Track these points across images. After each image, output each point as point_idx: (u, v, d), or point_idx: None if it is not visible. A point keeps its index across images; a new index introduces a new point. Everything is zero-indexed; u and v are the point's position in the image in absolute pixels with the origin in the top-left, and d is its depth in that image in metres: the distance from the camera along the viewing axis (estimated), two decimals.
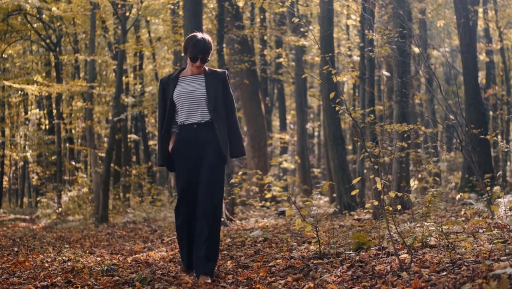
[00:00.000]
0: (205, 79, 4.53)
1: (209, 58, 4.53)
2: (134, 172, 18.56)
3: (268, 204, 13.72)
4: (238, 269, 4.94)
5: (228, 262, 5.32)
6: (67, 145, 22.95)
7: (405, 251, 4.51)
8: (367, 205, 9.77)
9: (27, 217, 18.26)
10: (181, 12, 14.36)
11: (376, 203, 6.65)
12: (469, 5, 12.22)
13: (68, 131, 23.11)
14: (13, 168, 31.77)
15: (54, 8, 14.78)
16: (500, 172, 14.90)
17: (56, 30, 18.64)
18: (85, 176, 20.38)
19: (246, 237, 7.06)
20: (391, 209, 5.05)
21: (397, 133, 8.86)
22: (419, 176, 13.30)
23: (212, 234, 4.42)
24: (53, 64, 19.88)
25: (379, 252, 4.83)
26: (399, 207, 5.90)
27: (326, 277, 4.11)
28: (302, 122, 17.52)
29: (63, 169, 20.27)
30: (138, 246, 7.43)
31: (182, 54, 14.23)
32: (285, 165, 19.86)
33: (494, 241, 4.42)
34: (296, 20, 6.14)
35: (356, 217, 9.26)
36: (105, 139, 22.35)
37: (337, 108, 5.15)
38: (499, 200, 6.67)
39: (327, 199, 16.07)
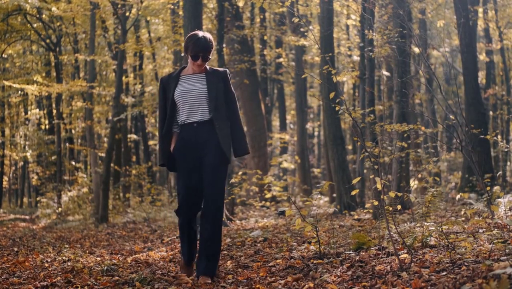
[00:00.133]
0: (206, 78, 4.49)
1: (210, 57, 4.50)
2: (134, 172, 18.56)
3: (268, 204, 13.72)
4: (238, 269, 4.94)
5: (228, 262, 5.32)
6: (67, 144, 22.95)
7: (405, 251, 4.51)
8: (367, 205, 9.77)
9: (27, 217, 18.26)
10: (181, 12, 14.36)
11: (376, 203, 6.65)
12: (469, 5, 12.22)
13: (68, 131, 23.11)
14: (13, 168, 31.77)
15: (54, 8, 14.78)
16: (500, 172, 14.90)
17: (56, 30, 18.64)
18: (85, 176, 20.39)
19: (246, 237, 7.05)
20: (391, 209, 5.05)
21: (397, 133, 8.86)
22: (419, 176, 13.30)
23: (213, 234, 4.41)
24: (53, 64, 19.88)
25: (379, 252, 4.83)
26: (399, 207, 5.90)
27: (326, 277, 4.11)
28: (302, 122, 17.52)
29: (63, 169, 20.27)
30: (138, 246, 7.43)
31: (182, 55, 14.22)
32: (285, 165, 19.85)
33: (494, 241, 4.42)
34: (296, 20, 6.14)
35: (356, 217, 9.26)
36: (105, 139, 22.36)
37: (337, 108, 5.15)
38: (499, 200, 6.67)
39: (327, 199, 16.06)
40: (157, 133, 19.02)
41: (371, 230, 6.56)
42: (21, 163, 29.88)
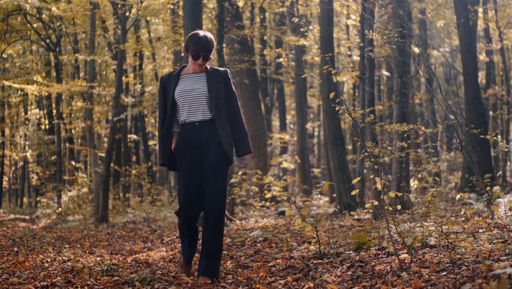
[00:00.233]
0: (206, 77, 4.47)
1: (211, 57, 4.47)
2: (134, 172, 18.56)
3: (268, 204, 13.72)
4: (238, 269, 4.94)
5: (228, 262, 5.32)
6: (67, 144, 22.95)
7: (405, 251, 4.51)
8: (367, 205, 9.77)
9: (27, 217, 18.26)
10: (181, 12, 14.36)
11: (376, 203, 6.65)
12: (469, 5, 12.22)
13: (68, 131, 23.11)
14: (13, 168, 31.77)
15: (54, 8, 14.78)
16: (500, 172, 14.90)
17: (56, 30, 18.64)
18: (85, 176, 20.39)
19: (246, 237, 7.06)
20: (391, 209, 5.05)
21: (397, 133, 8.86)
22: (419, 176, 13.30)
23: (215, 234, 4.39)
24: (53, 64, 19.88)
25: (379, 252, 4.83)
26: (399, 207, 5.90)
27: (326, 277, 4.11)
28: (302, 122, 17.52)
29: (63, 169, 20.28)
30: (138, 246, 7.43)
31: (182, 54, 14.22)
32: (285, 165, 19.86)
33: (494, 241, 4.42)
34: (296, 20, 6.14)
35: (356, 217, 9.26)
36: (105, 139, 22.36)
37: (337, 108, 5.15)
38: (499, 200, 6.67)
39: (327, 199, 16.06)
40: (157, 133, 19.02)
41: (371, 230, 6.56)
42: (21, 163, 29.88)
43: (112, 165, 14.73)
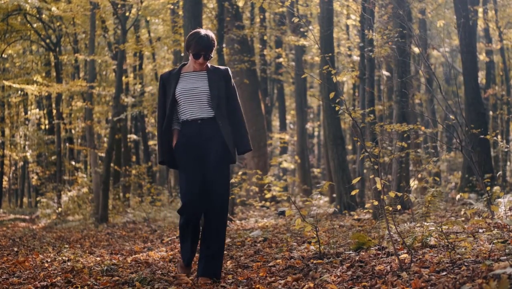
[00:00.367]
0: (207, 76, 4.45)
1: (212, 55, 4.45)
2: (134, 172, 18.56)
3: (268, 204, 13.72)
4: (238, 269, 4.94)
5: (228, 262, 5.32)
6: (67, 144, 22.96)
7: (405, 251, 4.51)
8: (367, 205, 9.76)
9: (27, 217, 18.25)
10: (181, 12, 14.36)
11: (376, 203, 6.65)
12: (469, 5, 12.21)
13: (68, 131, 23.11)
14: (13, 168, 31.76)
15: (54, 8, 14.78)
16: (500, 172, 14.90)
17: (56, 30, 18.64)
18: (85, 176, 20.39)
19: (246, 237, 7.06)
20: (391, 209, 5.05)
21: (397, 133, 8.85)
22: (419, 176, 13.30)
23: (216, 234, 4.37)
24: (53, 64, 19.88)
25: (379, 252, 4.83)
26: (399, 207, 5.89)
27: (326, 277, 4.11)
28: (302, 122, 17.52)
29: (63, 169, 20.28)
30: (138, 246, 7.43)
31: (182, 54, 14.20)
32: (285, 165, 19.86)
33: (494, 241, 4.42)
34: (296, 20, 6.14)
35: (356, 217, 9.26)
36: (105, 139, 22.36)
37: (337, 108, 5.15)
38: (499, 200, 6.67)
39: (327, 199, 16.06)
40: (156, 132, 18.99)
41: (371, 230, 6.56)
42: (21, 163, 29.88)
43: (112, 165, 14.73)
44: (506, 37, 18.64)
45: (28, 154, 26.29)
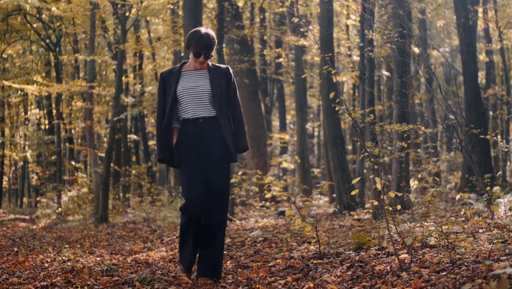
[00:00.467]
0: (209, 75, 4.42)
1: (212, 54, 4.43)
2: (134, 172, 18.56)
3: (268, 204, 13.72)
4: (238, 269, 4.94)
5: (228, 262, 5.32)
6: (67, 144, 22.96)
7: (405, 251, 4.51)
8: (367, 205, 9.77)
9: (27, 217, 18.25)
10: (181, 12, 14.36)
11: (376, 203, 6.64)
12: (469, 5, 12.21)
13: (68, 131, 23.11)
14: (13, 168, 31.77)
15: (53, 8, 14.78)
16: (500, 172, 14.90)
17: (56, 30, 18.64)
18: (85, 176, 20.39)
19: (246, 237, 7.06)
20: (391, 209, 5.05)
21: (397, 133, 8.85)
22: (419, 176, 13.30)
23: (216, 234, 4.36)
24: (53, 64, 19.88)
25: (379, 252, 4.83)
26: (399, 207, 5.89)
27: (326, 277, 4.11)
28: (302, 122, 17.52)
29: (63, 169, 20.28)
30: (138, 246, 7.43)
31: (182, 55, 14.19)
32: (285, 165, 19.85)
33: (494, 241, 4.42)
34: (296, 20, 6.14)
35: (356, 217, 9.26)
36: (105, 139, 22.35)
37: (337, 108, 5.15)
38: (499, 200, 6.68)
39: (327, 199, 16.07)
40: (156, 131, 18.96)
41: (371, 230, 6.56)
42: (21, 163, 29.88)
43: (112, 165, 14.73)
44: (506, 37, 18.64)
45: (28, 154, 26.29)
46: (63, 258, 5.98)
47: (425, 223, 5.45)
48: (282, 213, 10.71)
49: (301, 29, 14.98)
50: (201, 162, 4.37)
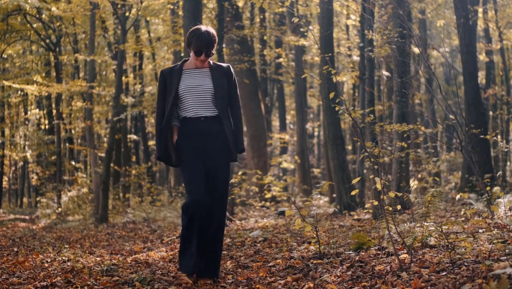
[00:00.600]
0: (211, 74, 4.40)
1: (213, 52, 4.41)
2: (134, 172, 18.56)
3: (268, 204, 13.72)
4: (238, 269, 4.94)
5: (228, 262, 5.32)
6: (67, 145, 22.96)
7: (405, 251, 4.51)
8: (367, 205, 9.77)
9: (27, 217, 18.25)
10: (181, 12, 14.36)
11: (376, 203, 6.64)
12: (469, 5, 12.22)
13: (68, 131, 23.11)
14: (13, 168, 31.77)
15: (53, 8, 14.78)
16: (500, 172, 14.90)
17: (56, 30, 18.65)
18: (84, 176, 20.40)
19: (246, 237, 7.06)
20: (391, 209, 5.05)
21: (397, 133, 8.86)
22: (419, 176, 13.30)
23: (216, 234, 4.36)
24: (53, 64, 19.88)
25: (379, 252, 4.83)
26: (399, 207, 5.90)
27: (326, 277, 4.11)
28: (302, 122, 17.52)
29: (63, 169, 20.28)
30: (138, 246, 7.43)
31: (182, 55, 14.17)
32: (285, 165, 19.85)
33: (494, 241, 4.42)
34: (296, 20, 6.14)
35: (356, 217, 9.26)
36: (105, 139, 22.36)
37: (337, 108, 5.15)
38: (499, 200, 6.68)
39: (327, 199, 16.06)
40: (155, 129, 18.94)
41: (371, 230, 6.56)
42: (21, 163, 29.88)
43: (112, 165, 14.74)
44: (506, 37, 18.64)
45: (28, 154, 26.30)
46: (63, 258, 5.98)
47: (425, 223, 5.45)
48: (282, 213, 10.71)
49: (301, 29, 14.99)
50: (202, 160, 4.35)
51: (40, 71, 21.44)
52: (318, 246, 5.20)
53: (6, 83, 16.71)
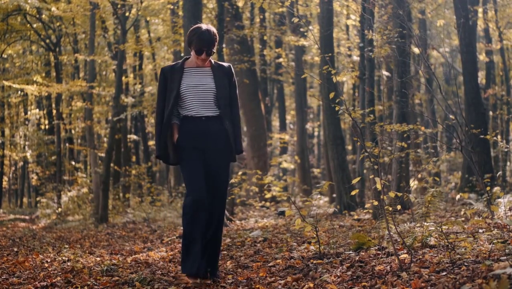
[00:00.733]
0: (213, 73, 4.39)
1: (214, 51, 4.39)
2: (133, 172, 18.56)
3: (268, 204, 13.72)
4: (238, 269, 4.94)
5: (228, 262, 5.32)
6: (67, 145, 22.96)
7: (405, 251, 4.51)
8: (367, 205, 9.77)
9: (27, 217, 18.25)
10: (180, 12, 14.37)
11: (376, 203, 6.65)
12: (469, 5, 12.22)
13: (68, 132, 23.11)
14: (13, 168, 31.76)
15: (53, 8, 14.79)
16: (500, 172, 14.89)
17: (56, 30, 18.65)
18: (84, 176, 20.40)
19: (246, 237, 7.06)
20: (391, 209, 5.05)
21: (397, 133, 8.86)
22: (419, 176, 13.30)
23: (215, 233, 4.36)
24: (52, 64, 19.89)
25: (379, 252, 4.83)
26: (399, 207, 5.90)
27: (326, 277, 4.11)
28: (302, 123, 17.52)
29: (63, 169, 20.28)
30: (138, 246, 7.43)
31: (182, 55, 14.16)
32: (285, 165, 19.85)
33: (494, 241, 4.42)
34: (295, 20, 6.14)
35: (356, 217, 9.26)
36: (105, 139, 22.36)
37: (336, 108, 5.15)
38: (499, 200, 6.68)
39: (327, 199, 16.06)
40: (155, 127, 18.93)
41: (371, 230, 6.56)
42: (21, 163, 29.88)
43: (112, 165, 14.73)
44: (506, 37, 18.64)
45: (28, 154, 26.30)
46: (63, 258, 5.98)
47: (425, 223, 5.45)
48: (282, 213, 10.71)
49: (301, 29, 14.99)
50: (203, 160, 4.35)
51: (40, 71, 21.44)
52: (318, 246, 5.20)
53: (6, 83, 16.71)
